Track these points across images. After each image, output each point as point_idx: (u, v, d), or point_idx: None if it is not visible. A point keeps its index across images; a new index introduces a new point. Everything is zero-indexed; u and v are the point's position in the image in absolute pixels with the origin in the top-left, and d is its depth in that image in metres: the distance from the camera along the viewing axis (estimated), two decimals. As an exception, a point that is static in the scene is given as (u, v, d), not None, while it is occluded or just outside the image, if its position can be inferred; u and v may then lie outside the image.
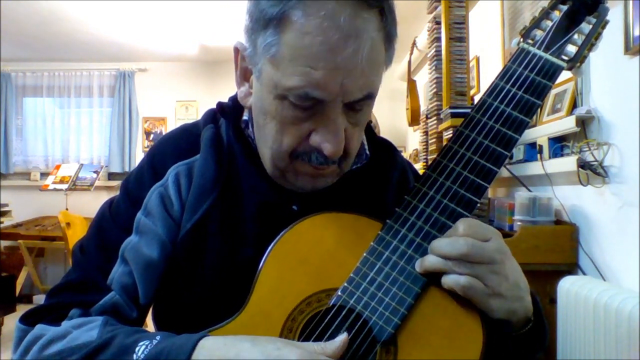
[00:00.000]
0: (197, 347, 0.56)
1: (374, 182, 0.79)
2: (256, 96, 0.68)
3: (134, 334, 0.61)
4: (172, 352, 0.56)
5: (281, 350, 0.54)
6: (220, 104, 0.78)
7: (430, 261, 0.62)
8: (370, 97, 0.64)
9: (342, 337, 0.58)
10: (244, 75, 0.71)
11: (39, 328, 0.66)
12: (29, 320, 0.67)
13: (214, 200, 0.72)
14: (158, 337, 0.59)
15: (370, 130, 0.81)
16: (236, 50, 0.69)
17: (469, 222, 0.63)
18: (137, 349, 0.58)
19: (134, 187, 0.74)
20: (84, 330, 0.64)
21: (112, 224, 0.73)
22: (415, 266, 0.63)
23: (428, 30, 3.06)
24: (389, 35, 0.64)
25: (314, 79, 0.59)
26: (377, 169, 0.80)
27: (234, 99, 0.77)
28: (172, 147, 0.76)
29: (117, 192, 0.78)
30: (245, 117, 0.77)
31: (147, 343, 0.58)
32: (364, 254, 0.65)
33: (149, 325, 0.80)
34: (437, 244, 0.62)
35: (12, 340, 0.68)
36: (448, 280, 0.61)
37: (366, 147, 0.81)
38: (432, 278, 0.63)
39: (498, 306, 0.62)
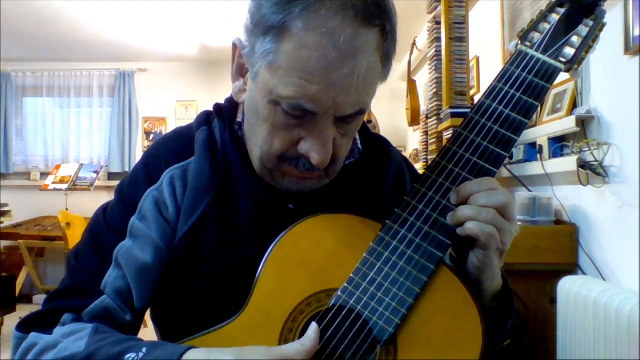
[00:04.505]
0: None
1: (369, 178, 0.80)
2: (250, 96, 0.69)
3: (121, 344, 0.61)
4: None
5: None
6: (217, 105, 0.78)
7: (464, 213, 0.63)
8: (361, 113, 0.65)
9: (314, 327, 0.60)
10: (240, 71, 0.72)
11: (32, 336, 0.66)
12: (24, 328, 0.68)
13: (210, 202, 0.72)
14: (144, 349, 0.59)
15: (364, 126, 0.81)
16: (234, 46, 0.70)
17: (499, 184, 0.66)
18: None
19: (128, 191, 0.74)
20: (73, 340, 0.64)
21: (106, 228, 0.73)
22: (447, 218, 0.65)
23: (428, 30, 3.06)
24: (387, 54, 0.65)
25: (308, 92, 0.60)
26: (372, 164, 0.81)
27: (230, 100, 0.78)
28: (166, 151, 0.76)
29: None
30: (239, 119, 0.77)
31: (133, 356, 0.59)
32: (364, 255, 0.65)
33: (149, 324, 0.80)
34: (478, 197, 0.64)
35: (11, 340, 0.69)
36: (472, 226, 0.62)
37: (358, 141, 0.81)
38: (434, 278, 0.63)
39: (496, 265, 0.66)
